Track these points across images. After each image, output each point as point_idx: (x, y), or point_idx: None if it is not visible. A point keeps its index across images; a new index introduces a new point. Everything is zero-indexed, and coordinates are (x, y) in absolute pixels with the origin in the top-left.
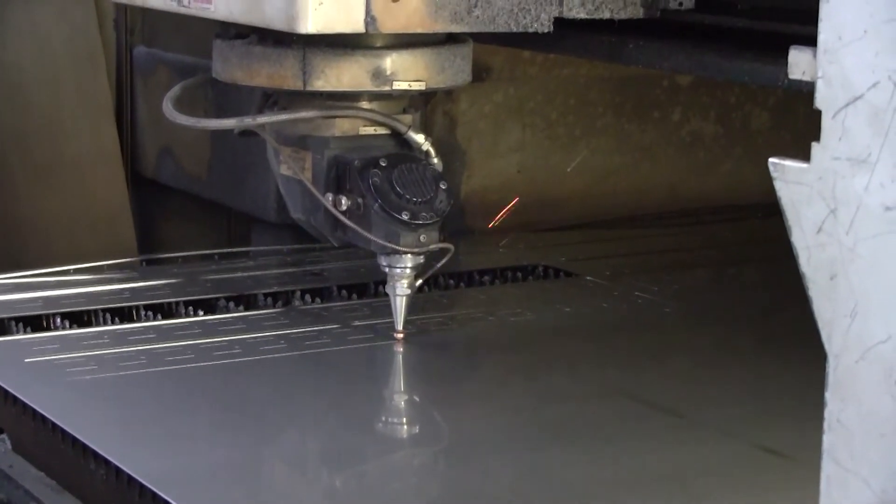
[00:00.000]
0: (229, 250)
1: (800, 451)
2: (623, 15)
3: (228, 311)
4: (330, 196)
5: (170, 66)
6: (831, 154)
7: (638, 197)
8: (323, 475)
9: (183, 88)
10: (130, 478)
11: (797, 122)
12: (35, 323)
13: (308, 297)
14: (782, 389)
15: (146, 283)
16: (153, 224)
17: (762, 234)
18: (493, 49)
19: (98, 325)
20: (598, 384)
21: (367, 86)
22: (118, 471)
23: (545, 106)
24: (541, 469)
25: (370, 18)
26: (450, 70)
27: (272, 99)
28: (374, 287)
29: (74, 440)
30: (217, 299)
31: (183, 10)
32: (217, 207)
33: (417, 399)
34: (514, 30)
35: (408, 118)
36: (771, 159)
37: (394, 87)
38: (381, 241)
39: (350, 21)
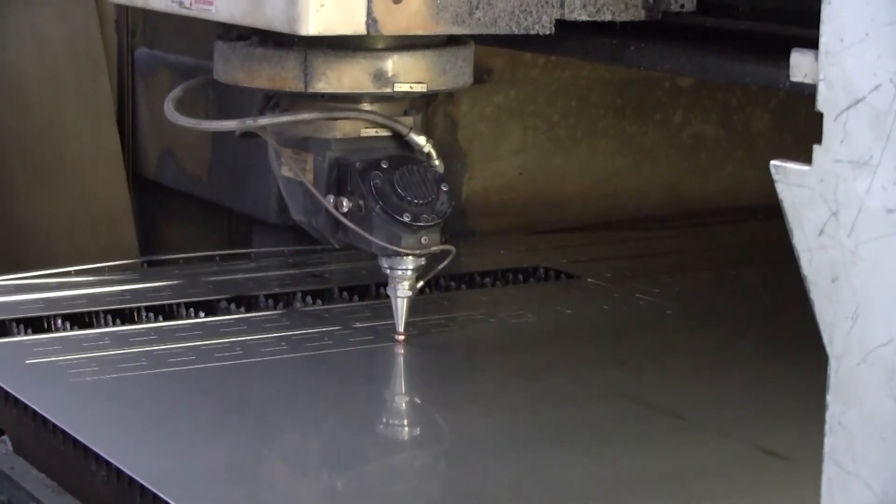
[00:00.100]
0: (230, 252)
1: (800, 452)
2: (624, 17)
3: (229, 313)
4: (331, 198)
5: (171, 67)
6: (833, 156)
7: (639, 199)
8: (323, 476)
9: (184, 90)
10: (131, 479)
11: (798, 125)
12: (36, 324)
13: (309, 299)
14: (783, 391)
15: (147, 285)
16: (154, 225)
17: (763, 236)
18: (494, 51)
19: (99, 326)
20: (598, 386)
21: (369, 88)
22: (119, 472)
23: (546, 108)
24: (541, 470)
25: (371, 20)
26: (451, 72)
27: (273, 100)
28: (375, 289)
29: (75, 441)
30: (218, 301)
31: (184, 12)
32: (218, 209)
33: (418, 400)
34: (516, 32)
35: (409, 120)
36: (772, 161)
37: (395, 89)
38: (382, 243)
39: (351, 23)
